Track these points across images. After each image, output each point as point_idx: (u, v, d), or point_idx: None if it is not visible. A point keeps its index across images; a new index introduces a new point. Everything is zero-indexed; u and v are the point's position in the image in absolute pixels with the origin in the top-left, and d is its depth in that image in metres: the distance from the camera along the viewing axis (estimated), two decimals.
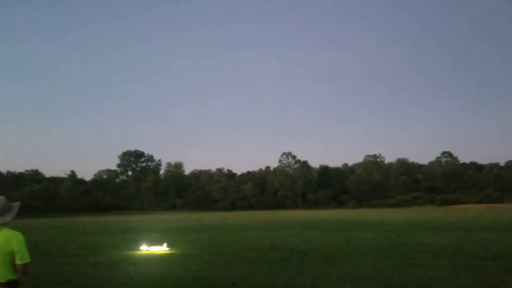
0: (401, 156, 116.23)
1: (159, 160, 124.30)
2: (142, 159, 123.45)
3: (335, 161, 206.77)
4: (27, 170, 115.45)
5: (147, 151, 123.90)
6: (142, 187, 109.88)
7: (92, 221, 51.42)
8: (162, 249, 14.70)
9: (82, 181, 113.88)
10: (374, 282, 8.47)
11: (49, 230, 31.88)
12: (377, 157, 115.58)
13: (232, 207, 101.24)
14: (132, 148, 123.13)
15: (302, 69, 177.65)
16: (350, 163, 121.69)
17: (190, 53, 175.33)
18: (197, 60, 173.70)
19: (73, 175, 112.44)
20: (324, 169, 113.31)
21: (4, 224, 3.82)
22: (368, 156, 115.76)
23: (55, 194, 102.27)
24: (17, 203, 4.06)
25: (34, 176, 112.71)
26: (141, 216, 71.97)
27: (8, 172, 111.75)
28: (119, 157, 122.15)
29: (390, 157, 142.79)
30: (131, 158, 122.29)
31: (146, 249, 14.77)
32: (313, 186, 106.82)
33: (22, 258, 3.70)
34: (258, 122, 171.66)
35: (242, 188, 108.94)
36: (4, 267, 3.68)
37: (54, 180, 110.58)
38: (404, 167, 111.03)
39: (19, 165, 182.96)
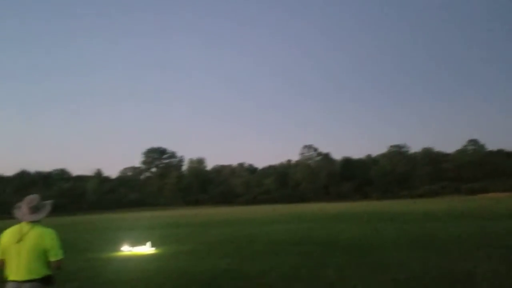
0: (426, 146, 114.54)
1: (182, 156, 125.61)
2: (165, 155, 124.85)
3: (358, 153, 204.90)
4: (54, 170, 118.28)
5: (169, 147, 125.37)
6: (165, 183, 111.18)
7: (117, 217, 52.32)
8: (147, 249, 13.77)
9: (108, 179, 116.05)
10: (401, 272, 8.38)
11: (68, 228, 32.59)
12: (402, 147, 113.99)
13: (254, 201, 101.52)
14: (155, 145, 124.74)
15: (321, 60, 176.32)
16: (373, 154, 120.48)
17: (219, 49, 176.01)
18: (214, 56, 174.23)
19: (99, 173, 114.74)
20: (347, 161, 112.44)
21: (38, 222, 3.91)
22: (393, 146, 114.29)
23: (82, 192, 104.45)
24: (50, 201, 4.16)
25: (62, 175, 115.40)
26: (165, 211, 72.86)
27: (37, 172, 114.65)
28: (142, 154, 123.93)
29: (415, 147, 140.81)
30: (155, 155, 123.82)
31: (136, 249, 13.80)
32: (336, 178, 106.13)
33: (56, 254, 3.80)
34: (278, 116, 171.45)
35: (263, 182, 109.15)
36: (39, 263, 3.76)
37: (81, 179, 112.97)
38: (430, 157, 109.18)
39: (47, 165, 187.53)
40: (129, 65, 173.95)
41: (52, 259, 3.80)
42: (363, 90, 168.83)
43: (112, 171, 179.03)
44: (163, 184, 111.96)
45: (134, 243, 14.45)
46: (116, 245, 14.20)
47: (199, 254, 12.56)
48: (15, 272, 3.77)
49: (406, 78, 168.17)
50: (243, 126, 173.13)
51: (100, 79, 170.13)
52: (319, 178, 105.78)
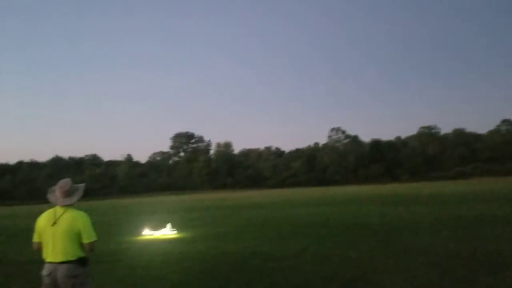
0: (457, 126, 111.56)
1: (209, 141, 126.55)
2: (193, 140, 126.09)
3: (387, 135, 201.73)
4: (86, 155, 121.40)
5: (197, 132, 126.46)
6: (193, 167, 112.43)
7: (146, 201, 53.39)
8: (168, 232, 13.89)
9: (138, 164, 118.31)
10: (432, 255, 8.25)
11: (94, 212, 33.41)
12: (432, 128, 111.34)
13: (282, 184, 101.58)
14: (183, 130, 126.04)
15: (348, 40, 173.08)
16: (403, 136, 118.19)
17: (233, 35, 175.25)
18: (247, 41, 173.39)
19: (129, 158, 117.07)
20: (376, 143, 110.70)
21: (71, 205, 3.99)
22: (423, 127, 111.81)
23: (113, 176, 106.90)
24: (82, 185, 4.23)
25: (94, 161, 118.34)
26: (194, 195, 73.89)
27: (70, 158, 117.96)
28: (171, 139, 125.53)
29: (446, 128, 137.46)
30: (182, 139, 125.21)
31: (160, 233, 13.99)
32: (365, 160, 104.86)
33: (89, 236, 3.87)
34: (305, 98, 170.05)
35: (291, 165, 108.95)
36: (73, 245, 3.84)
37: (112, 164, 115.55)
38: (462, 138, 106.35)
39: (79, 151, 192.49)
40: (156, 49, 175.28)
41: (85, 241, 3.87)
42: (391, 70, 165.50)
43: (141, 156, 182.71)
44: (191, 168, 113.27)
45: (158, 227, 14.67)
46: (144, 228, 14.47)
47: (228, 236, 12.69)
48: (51, 254, 3.87)
49: (437, 56, 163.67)
50: (270, 110, 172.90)
51: (127, 65, 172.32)
52: (347, 161, 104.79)
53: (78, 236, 3.85)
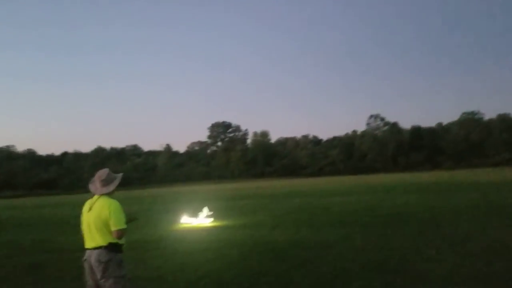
0: (502, 112, 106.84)
1: (246, 130, 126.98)
2: (230, 129, 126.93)
3: (428, 121, 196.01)
4: (127, 146, 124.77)
5: (234, 121, 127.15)
6: (231, 156, 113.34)
7: (185, 190, 54.31)
8: (206, 221, 13.98)
9: (176, 154, 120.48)
10: (476, 243, 8.01)
11: (132, 201, 34.17)
12: (475, 114, 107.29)
13: (320, 173, 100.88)
14: (220, 120, 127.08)
15: (386, 27, 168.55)
16: (445, 122, 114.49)
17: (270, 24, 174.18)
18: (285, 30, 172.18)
19: (168, 148, 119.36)
20: (416, 130, 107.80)
21: (108, 194, 4.10)
22: (465, 113, 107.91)
23: (153, 166, 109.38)
24: (120, 174, 4.32)
25: (134, 151, 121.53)
26: (232, 184, 74.56)
27: (112, 148, 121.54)
28: (208, 128, 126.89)
29: (489, 114, 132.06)
30: (220, 129, 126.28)
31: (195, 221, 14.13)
32: (405, 148, 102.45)
33: (115, 224, 3.89)
34: (342, 85, 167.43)
35: (329, 153, 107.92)
36: (103, 232, 3.91)
37: (152, 154, 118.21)
38: (506, 123, 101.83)
39: (121, 141, 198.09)
40: (193, 40, 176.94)
41: (112, 228, 3.89)
42: (431, 54, 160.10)
43: (180, 146, 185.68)
44: (228, 157, 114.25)
45: (196, 215, 14.86)
46: (183, 217, 14.70)
47: (266, 225, 12.72)
48: (87, 240, 4.02)
49: (478, 41, 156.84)
50: (306, 98, 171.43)
51: (166, 57, 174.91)
52: (386, 149, 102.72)
53: (107, 223, 3.91)
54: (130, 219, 4.26)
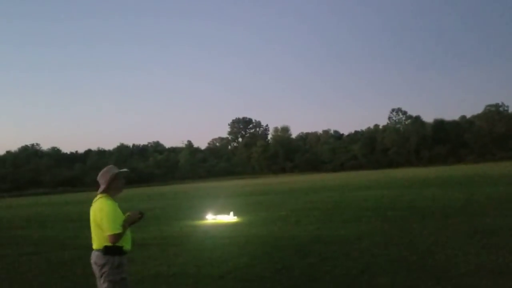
0: None
1: (267, 126, 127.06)
2: (251, 125, 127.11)
3: (451, 114, 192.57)
4: (149, 142, 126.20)
5: (254, 117, 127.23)
6: (252, 152, 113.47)
7: (207, 186, 54.66)
8: (230, 218, 13.86)
9: (198, 150, 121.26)
10: (502, 237, 7.85)
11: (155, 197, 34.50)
12: (500, 106, 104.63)
13: (341, 168, 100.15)
14: (241, 115, 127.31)
15: (408, 17, 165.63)
16: (468, 115, 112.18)
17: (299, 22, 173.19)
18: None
19: (190, 144, 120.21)
20: (439, 123, 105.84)
21: (106, 193, 3.92)
22: (489, 106, 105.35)
23: (175, 162, 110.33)
24: (114, 171, 4.01)
25: (156, 148, 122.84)
26: (253, 180, 74.68)
27: (134, 145, 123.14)
28: (229, 124, 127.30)
29: None
30: (240, 125, 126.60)
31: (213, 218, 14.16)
32: (428, 141, 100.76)
33: (108, 229, 3.70)
34: (364, 79, 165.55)
35: (350, 148, 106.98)
36: (99, 235, 3.78)
37: (174, 150, 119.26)
38: None
39: (143, 138, 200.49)
40: (214, 35, 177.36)
41: (105, 233, 3.72)
42: (454, 47, 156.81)
43: (201, 142, 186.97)
44: (249, 153, 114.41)
45: (219, 211, 14.93)
46: (207, 212, 14.80)
47: (289, 220, 12.71)
48: (92, 240, 3.93)
49: (501, 33, 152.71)
50: (327, 92, 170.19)
51: (186, 54, 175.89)
52: (409, 142, 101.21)
53: (101, 226, 3.76)
54: (131, 220, 3.92)
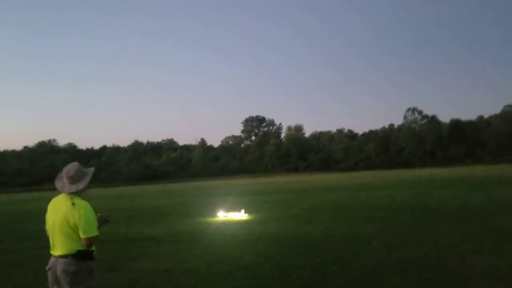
0: None
1: (280, 124, 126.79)
2: (264, 124, 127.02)
3: (468, 114, 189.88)
4: (163, 140, 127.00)
5: (268, 115, 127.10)
6: (265, 151, 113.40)
7: (220, 184, 54.81)
8: (241, 215, 13.93)
9: (211, 148, 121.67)
10: None
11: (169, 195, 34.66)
12: None
13: (355, 167, 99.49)
14: (254, 114, 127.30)
15: (426, 16, 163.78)
16: (486, 115, 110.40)
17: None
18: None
19: (203, 142, 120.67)
20: (456, 123, 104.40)
21: (77, 193, 3.59)
22: (508, 106, 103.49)
23: (189, 160, 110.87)
24: (91, 169, 3.79)
25: (170, 145, 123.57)
26: (265, 178, 74.66)
27: (148, 142, 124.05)
28: (242, 123, 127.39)
29: None
30: (254, 123, 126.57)
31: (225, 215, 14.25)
32: (444, 142, 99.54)
33: (85, 231, 3.41)
34: (378, 78, 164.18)
35: (364, 147, 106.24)
36: (71, 238, 3.44)
37: (187, 148, 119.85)
38: None
39: (157, 136, 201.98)
40: (226, 34, 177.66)
41: (82, 236, 3.41)
42: (471, 46, 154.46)
43: (214, 141, 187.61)
44: (262, 152, 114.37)
45: (230, 209, 14.98)
46: (218, 210, 14.85)
47: (301, 219, 12.68)
48: (52, 246, 3.56)
49: None
50: (341, 91, 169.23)
51: (199, 53, 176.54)
52: (424, 142, 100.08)
53: (75, 229, 3.42)
54: (101, 221, 3.73)
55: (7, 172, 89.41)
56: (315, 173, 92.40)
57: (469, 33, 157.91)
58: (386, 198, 18.25)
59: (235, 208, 15.10)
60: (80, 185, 3.57)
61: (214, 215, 14.63)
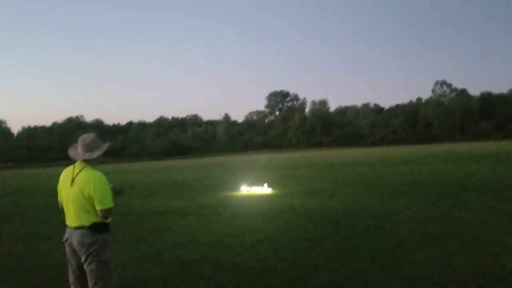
0: None
1: (304, 99, 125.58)
2: (288, 98, 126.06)
3: (499, 87, 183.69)
4: (188, 115, 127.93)
5: (292, 90, 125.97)
6: (289, 126, 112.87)
7: (244, 159, 55.05)
8: (264, 190, 13.97)
9: (235, 123, 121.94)
10: None
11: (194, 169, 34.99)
12: None
13: (381, 142, 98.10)
14: (278, 89, 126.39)
15: None
16: None
17: None
18: None
19: (227, 117, 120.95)
20: (486, 97, 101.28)
21: (91, 163, 3.56)
22: None
23: (213, 135, 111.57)
24: (106, 144, 3.78)
25: (195, 120, 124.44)
26: (290, 153, 74.56)
27: (173, 118, 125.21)
28: (266, 98, 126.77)
29: None
30: (278, 98, 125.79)
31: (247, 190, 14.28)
32: (473, 116, 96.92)
33: (101, 203, 3.39)
34: (406, 50, 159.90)
35: (391, 122, 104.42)
36: (86, 210, 3.41)
37: (211, 123, 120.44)
38: None
39: (182, 111, 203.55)
40: (251, 7, 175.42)
41: (98, 207, 3.38)
42: (500, 15, 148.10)
43: (238, 116, 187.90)
44: (286, 127, 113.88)
45: (254, 183, 15.01)
46: (242, 184, 14.89)
47: (324, 193, 12.63)
48: (67, 217, 3.54)
49: None
50: (367, 64, 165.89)
51: (223, 27, 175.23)
52: (453, 117, 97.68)
53: (91, 201, 3.39)
54: (114, 192, 3.68)
55: (39, 148, 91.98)
56: (339, 148, 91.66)
57: (500, 3, 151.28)
58: (414, 173, 17.96)
59: (259, 182, 15.14)
60: (94, 154, 3.55)
61: (237, 189, 14.72)
